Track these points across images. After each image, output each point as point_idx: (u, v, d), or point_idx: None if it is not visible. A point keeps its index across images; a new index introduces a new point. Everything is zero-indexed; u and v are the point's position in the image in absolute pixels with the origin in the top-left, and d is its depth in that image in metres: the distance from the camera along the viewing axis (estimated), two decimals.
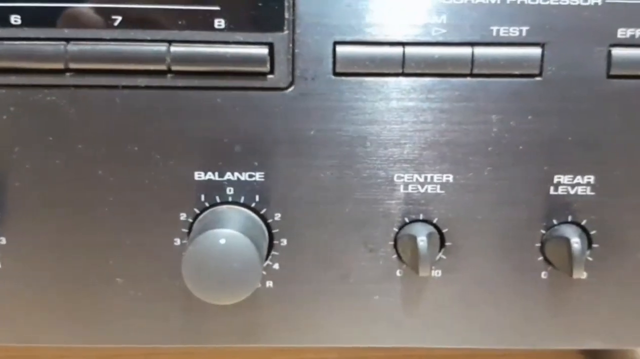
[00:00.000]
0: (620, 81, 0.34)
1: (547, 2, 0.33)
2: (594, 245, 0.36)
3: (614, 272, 0.36)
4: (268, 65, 0.33)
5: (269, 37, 0.33)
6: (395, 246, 0.36)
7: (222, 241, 0.32)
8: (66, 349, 0.51)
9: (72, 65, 0.33)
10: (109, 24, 0.33)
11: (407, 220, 0.35)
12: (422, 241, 0.34)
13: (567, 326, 0.37)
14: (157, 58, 0.33)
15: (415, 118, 0.34)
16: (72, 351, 0.52)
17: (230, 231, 0.32)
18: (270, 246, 0.36)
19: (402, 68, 0.33)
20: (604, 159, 0.34)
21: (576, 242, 0.34)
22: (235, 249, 0.32)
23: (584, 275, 0.35)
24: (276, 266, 0.36)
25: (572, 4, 0.33)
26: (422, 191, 0.35)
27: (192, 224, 0.35)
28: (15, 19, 0.32)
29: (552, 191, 0.35)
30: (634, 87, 0.34)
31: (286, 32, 0.33)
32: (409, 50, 0.33)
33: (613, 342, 0.37)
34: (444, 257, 0.36)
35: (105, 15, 0.33)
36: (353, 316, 0.37)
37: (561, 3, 0.33)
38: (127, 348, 0.51)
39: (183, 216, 0.35)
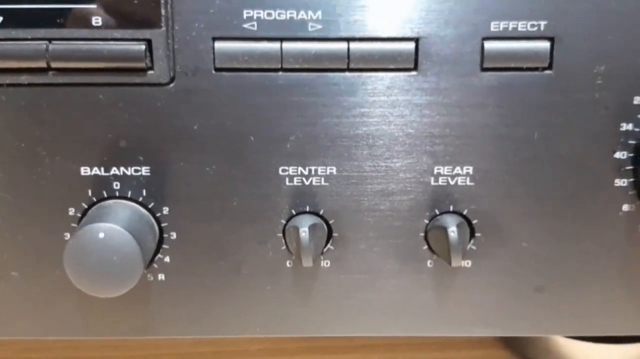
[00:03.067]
0: (494, 73, 0.34)
1: None
2: (477, 234, 0.36)
3: (497, 260, 0.37)
4: (146, 61, 0.33)
5: (146, 33, 0.33)
6: (284, 237, 0.36)
7: (101, 235, 0.33)
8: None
9: None
10: None
11: (293, 212, 0.36)
12: (304, 232, 0.35)
13: (455, 314, 0.38)
14: (38, 56, 0.33)
15: (298, 112, 0.35)
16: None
17: (109, 225, 0.33)
18: (161, 240, 0.36)
19: (281, 63, 0.34)
20: (481, 151, 0.35)
21: (452, 231, 0.35)
22: (115, 242, 0.33)
23: (461, 263, 0.35)
24: (167, 259, 0.37)
25: None
26: (307, 183, 0.36)
27: (81, 218, 0.36)
28: None
29: (432, 182, 0.36)
30: (507, 79, 0.34)
31: (163, 28, 0.33)
32: (287, 45, 0.34)
33: (502, 330, 0.38)
34: (332, 248, 0.37)
35: None
36: (246, 307, 0.38)
37: None
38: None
39: (72, 211, 0.36)
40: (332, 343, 0.52)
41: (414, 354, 0.51)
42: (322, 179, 0.36)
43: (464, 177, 0.36)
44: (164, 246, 0.36)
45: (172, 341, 0.52)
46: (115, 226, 0.33)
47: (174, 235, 0.36)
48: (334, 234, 0.37)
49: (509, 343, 0.51)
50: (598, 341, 0.47)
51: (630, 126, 0.35)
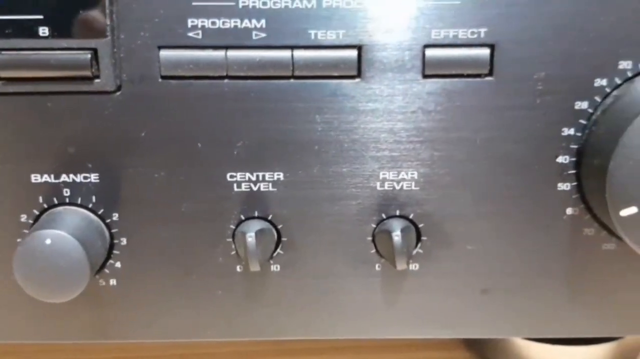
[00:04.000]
0: (436, 80, 0.35)
1: (362, 6, 0.34)
2: (423, 238, 0.37)
3: (443, 263, 0.37)
4: (92, 70, 0.34)
5: (92, 43, 0.34)
6: (233, 242, 0.37)
7: (48, 241, 0.33)
8: None
9: None
10: None
11: (242, 217, 0.37)
12: (250, 237, 0.35)
13: (405, 316, 0.39)
14: None
15: (245, 119, 0.35)
16: None
17: (56, 232, 0.33)
18: (112, 245, 0.37)
19: (226, 71, 0.35)
20: (425, 156, 0.36)
21: (397, 235, 0.35)
22: (61, 248, 0.33)
23: (407, 266, 0.36)
24: (118, 264, 0.37)
25: (385, 7, 0.34)
26: (255, 189, 0.36)
27: (32, 225, 0.36)
28: None
29: (379, 187, 0.36)
30: (449, 85, 0.35)
31: (109, 37, 0.34)
32: (231, 53, 0.34)
33: (450, 331, 0.39)
34: (281, 252, 0.37)
35: None
36: (198, 311, 0.38)
37: (375, 6, 0.34)
38: None
39: (24, 218, 0.36)
40: (299, 346, 0.53)
41: (379, 356, 0.52)
42: (270, 184, 0.36)
43: (409, 182, 0.36)
44: (115, 251, 0.37)
45: (140, 344, 0.53)
46: (61, 232, 0.34)
47: (124, 241, 0.37)
48: (283, 239, 0.37)
49: (470, 344, 0.52)
50: (556, 342, 0.47)
51: (571, 131, 0.35)
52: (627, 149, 0.32)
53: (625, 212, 0.33)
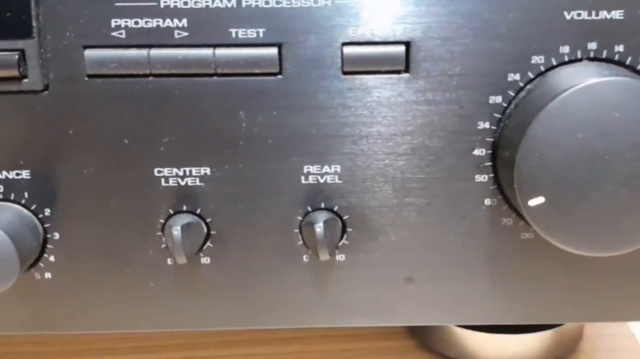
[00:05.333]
0: (354, 76, 0.36)
1: (281, 5, 0.35)
2: (348, 229, 0.38)
3: (368, 253, 0.39)
4: (20, 70, 0.35)
5: (19, 44, 0.35)
6: (164, 236, 0.38)
7: None
8: None
9: None
10: None
11: (171, 212, 0.38)
12: (176, 231, 0.36)
13: (334, 305, 0.40)
14: None
15: (169, 116, 0.37)
16: None
17: None
18: (46, 240, 0.38)
19: (150, 69, 0.36)
20: (347, 150, 0.37)
21: (319, 227, 0.36)
22: None
23: (330, 257, 0.37)
24: (52, 258, 0.38)
25: (303, 5, 0.35)
26: (183, 183, 0.37)
27: None
28: None
29: (303, 181, 0.38)
30: (368, 82, 0.36)
31: (35, 38, 0.35)
32: (154, 52, 0.35)
33: (377, 320, 0.40)
34: (211, 245, 0.38)
35: None
36: (131, 303, 0.39)
37: (293, 5, 0.35)
38: None
39: None
40: (245, 336, 0.54)
41: (325, 346, 0.53)
42: (197, 179, 0.37)
43: (332, 176, 0.37)
44: (49, 246, 0.38)
45: (91, 337, 0.54)
46: None
47: (56, 235, 0.38)
48: (212, 232, 0.38)
49: (414, 333, 0.53)
50: (493, 331, 0.48)
51: (487, 124, 0.37)
52: (533, 140, 0.34)
53: (533, 202, 0.34)
